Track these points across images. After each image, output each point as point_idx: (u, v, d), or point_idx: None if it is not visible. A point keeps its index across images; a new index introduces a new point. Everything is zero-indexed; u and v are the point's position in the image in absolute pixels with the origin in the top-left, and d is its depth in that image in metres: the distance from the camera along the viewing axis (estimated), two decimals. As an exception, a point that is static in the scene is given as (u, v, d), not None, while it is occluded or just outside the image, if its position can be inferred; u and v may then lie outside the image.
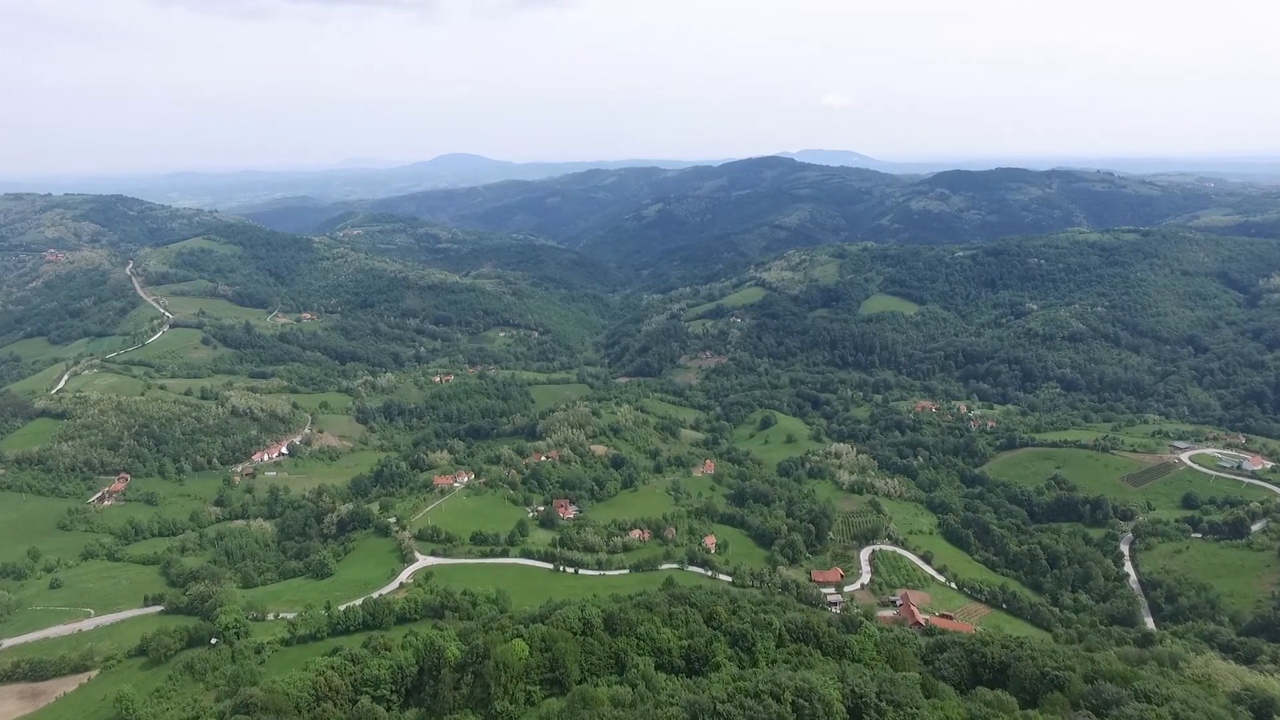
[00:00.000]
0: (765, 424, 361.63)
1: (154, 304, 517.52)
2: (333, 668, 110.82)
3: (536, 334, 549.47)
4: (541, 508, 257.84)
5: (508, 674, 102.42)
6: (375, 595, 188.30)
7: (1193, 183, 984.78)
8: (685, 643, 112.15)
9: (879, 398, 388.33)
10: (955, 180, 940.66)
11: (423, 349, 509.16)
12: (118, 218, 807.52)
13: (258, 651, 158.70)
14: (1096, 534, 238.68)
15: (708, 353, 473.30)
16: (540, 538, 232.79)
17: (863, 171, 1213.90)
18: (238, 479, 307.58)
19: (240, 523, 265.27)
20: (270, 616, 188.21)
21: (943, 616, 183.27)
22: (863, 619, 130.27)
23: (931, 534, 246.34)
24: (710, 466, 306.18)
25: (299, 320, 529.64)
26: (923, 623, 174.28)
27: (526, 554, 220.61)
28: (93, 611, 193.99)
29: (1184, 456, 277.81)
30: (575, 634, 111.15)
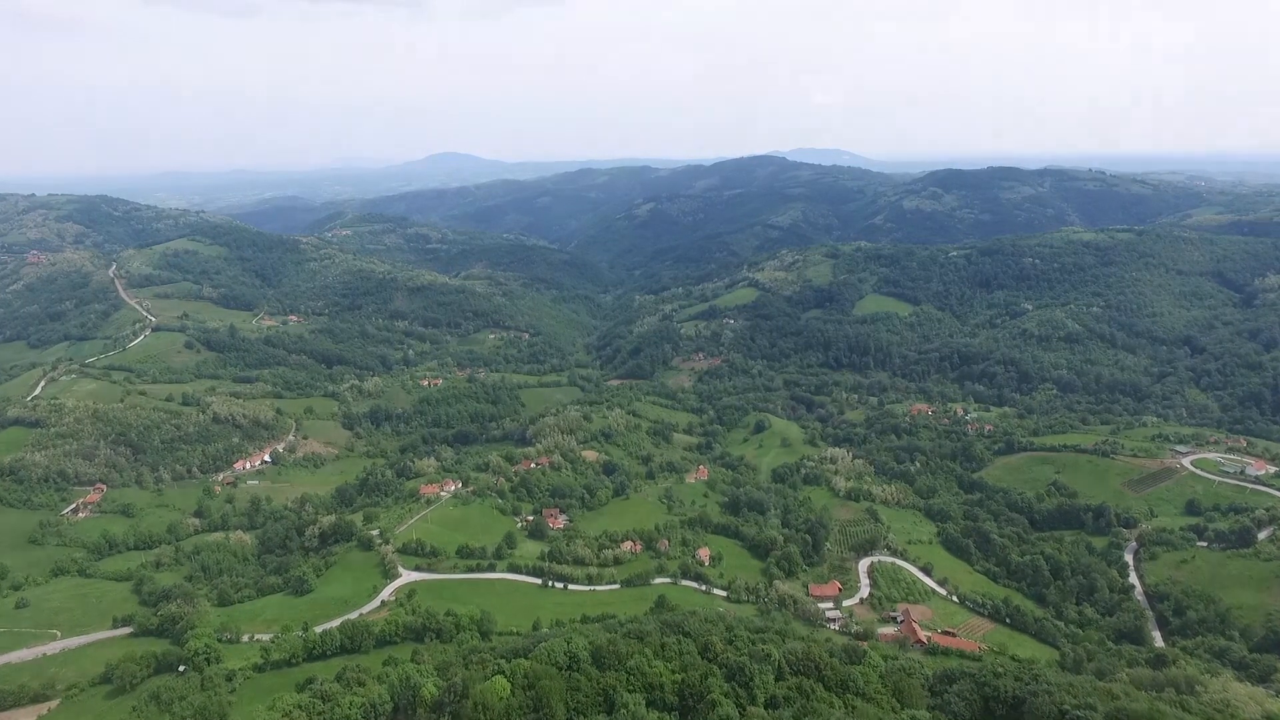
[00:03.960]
0: (759, 428, 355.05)
1: (136, 307, 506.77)
2: (300, 707, 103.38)
3: (527, 336, 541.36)
4: (531, 517, 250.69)
5: (487, 715, 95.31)
6: (355, 615, 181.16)
7: (1184, 181, 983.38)
8: (679, 677, 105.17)
9: (874, 400, 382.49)
10: (947, 179, 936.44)
11: (411, 352, 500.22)
12: (102, 218, 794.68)
13: (229, 679, 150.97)
14: (1099, 543, 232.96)
15: (700, 354, 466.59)
16: (529, 550, 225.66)
17: (855, 170, 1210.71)
18: (218, 489, 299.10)
19: (219, 535, 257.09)
20: (246, 638, 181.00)
21: (945, 634, 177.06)
22: (865, 649, 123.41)
23: (931, 544, 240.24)
24: (703, 472, 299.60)
25: (285, 323, 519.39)
26: (925, 641, 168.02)
27: (514, 568, 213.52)
28: (59, 634, 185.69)
29: (1185, 461, 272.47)
30: (561, 669, 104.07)
